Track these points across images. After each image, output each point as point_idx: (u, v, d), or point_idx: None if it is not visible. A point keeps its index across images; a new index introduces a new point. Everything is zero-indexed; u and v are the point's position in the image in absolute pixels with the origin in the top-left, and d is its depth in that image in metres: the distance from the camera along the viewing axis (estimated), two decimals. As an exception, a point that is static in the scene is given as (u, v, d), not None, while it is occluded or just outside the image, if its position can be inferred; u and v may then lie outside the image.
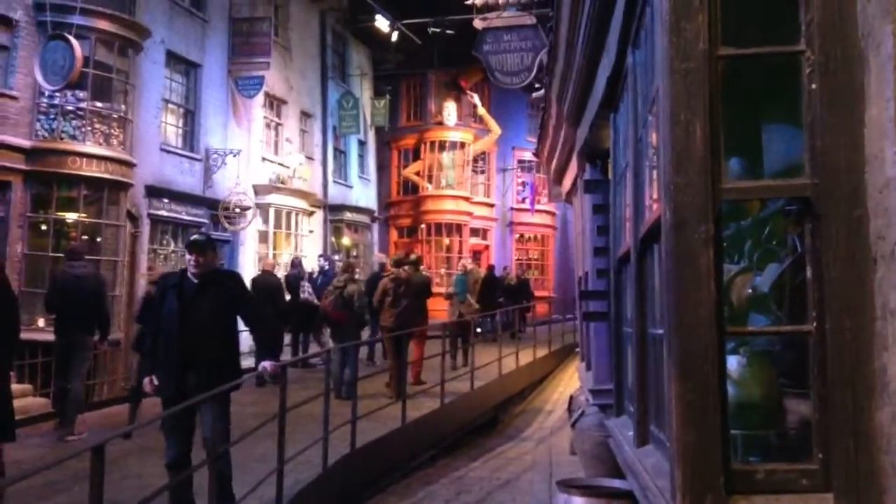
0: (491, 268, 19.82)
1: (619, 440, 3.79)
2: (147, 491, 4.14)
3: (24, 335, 6.58)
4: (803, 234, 2.30)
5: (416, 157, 25.57)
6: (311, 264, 16.37)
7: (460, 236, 24.87)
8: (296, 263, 13.96)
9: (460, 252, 23.70)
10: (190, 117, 15.54)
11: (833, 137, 2.18)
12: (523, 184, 27.19)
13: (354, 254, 21.50)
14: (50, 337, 8.76)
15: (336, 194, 21.45)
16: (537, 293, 23.47)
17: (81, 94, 12.02)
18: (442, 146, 25.21)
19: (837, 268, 2.16)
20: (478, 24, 13.77)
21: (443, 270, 22.77)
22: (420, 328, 10.33)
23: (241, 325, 5.45)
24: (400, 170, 25.85)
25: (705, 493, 2.17)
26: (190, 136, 15.49)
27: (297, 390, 6.15)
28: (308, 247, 19.00)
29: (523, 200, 27.20)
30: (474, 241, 25.63)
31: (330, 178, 21.22)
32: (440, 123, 25.46)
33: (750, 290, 2.84)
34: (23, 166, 11.33)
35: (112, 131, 12.40)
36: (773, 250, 2.84)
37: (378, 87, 24.62)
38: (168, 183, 14.29)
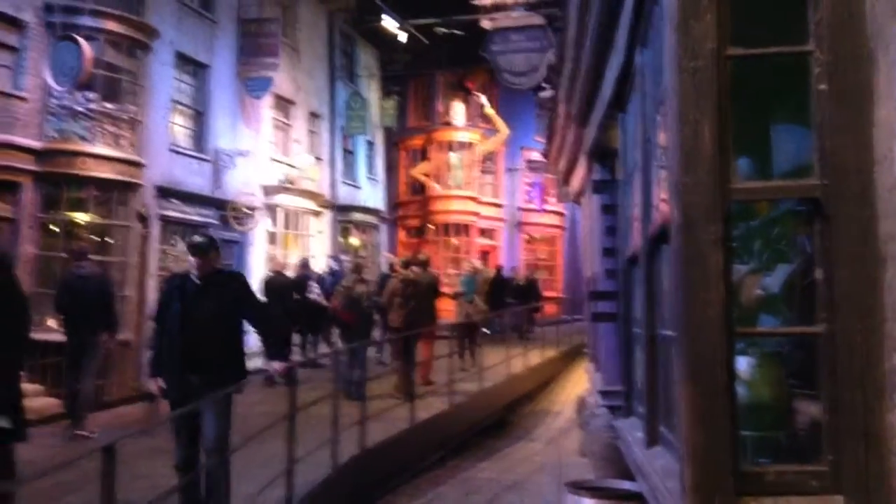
0: (499, 268, 19.82)
1: (629, 441, 3.78)
2: (157, 491, 4.17)
3: (35, 335, 6.64)
4: (813, 234, 2.29)
5: (424, 157, 25.60)
6: (320, 265, 16.42)
7: (468, 236, 24.89)
8: (304, 264, 14.00)
9: (468, 252, 23.72)
10: (199, 118, 15.60)
11: (842, 138, 2.18)
12: (532, 184, 27.17)
13: (363, 254, 21.52)
14: (61, 337, 8.82)
15: (344, 195, 21.49)
16: (546, 293, 23.45)
17: (91, 95, 12.06)
18: (450, 146, 25.24)
19: (847, 269, 2.15)
20: (486, 24, 13.75)
21: (450, 271, 22.77)
22: (429, 328, 10.34)
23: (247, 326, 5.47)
24: (408, 170, 25.89)
25: (714, 495, 2.17)
26: (199, 136, 15.54)
27: (306, 391, 6.16)
28: (316, 247, 19.04)
29: (532, 201, 27.19)
30: (482, 241, 25.63)
31: (338, 178, 21.25)
32: (448, 124, 25.49)
33: (759, 291, 2.84)
34: (33, 167, 11.39)
35: (121, 132, 12.46)
36: (782, 251, 2.84)
37: (386, 87, 24.65)
38: (178, 184, 14.35)
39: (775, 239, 2.89)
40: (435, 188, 24.92)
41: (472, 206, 25.08)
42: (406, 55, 23.74)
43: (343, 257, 18.45)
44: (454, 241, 24.70)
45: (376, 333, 11.98)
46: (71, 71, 11.50)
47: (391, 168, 25.61)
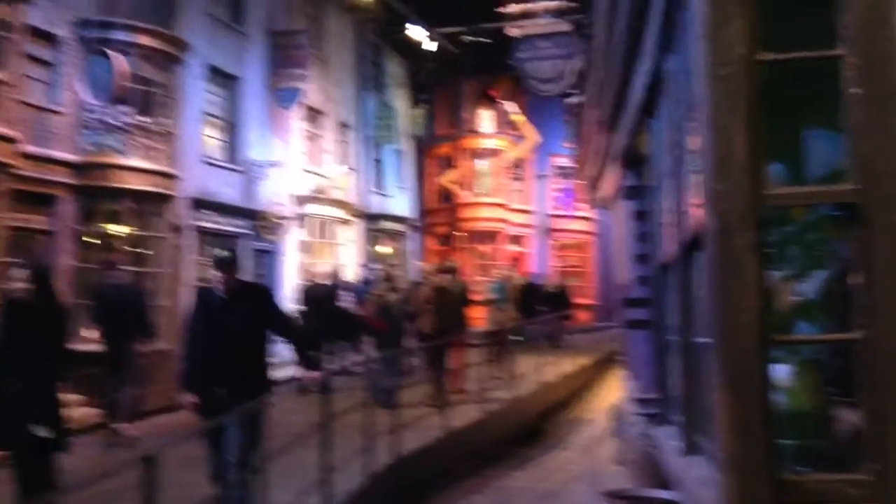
0: (530, 275, 19.75)
1: (665, 450, 3.76)
2: (194, 500, 4.22)
3: (76, 346, 6.76)
4: (849, 239, 2.27)
5: (452, 165, 25.65)
6: (351, 274, 16.51)
7: (497, 244, 24.87)
8: (335, 273, 14.10)
9: (497, 259, 23.69)
10: (231, 130, 15.79)
11: (876, 141, 2.16)
12: (561, 190, 27.08)
13: (392, 262, 21.61)
14: (99, 347, 8.97)
15: (374, 204, 21.60)
16: (577, 300, 23.31)
17: (125, 109, 12.26)
18: (478, 154, 25.27)
19: (885, 273, 2.13)
20: (512, 31, 13.77)
21: (479, 278, 22.75)
22: (460, 336, 10.33)
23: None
24: (436, 178, 25.95)
25: (753, 504, 2.15)
26: (231, 148, 15.74)
27: (339, 399, 6.20)
28: (347, 256, 19.17)
29: (561, 207, 27.08)
30: (512, 248, 25.58)
31: (368, 187, 21.38)
32: (475, 131, 25.53)
33: (795, 298, 2.81)
34: (70, 180, 11.59)
35: (155, 145, 12.64)
36: (818, 256, 2.81)
37: (414, 96, 24.76)
38: (211, 195, 14.53)
39: (810, 244, 2.86)
40: (463, 196, 24.94)
41: (500, 213, 25.06)
42: (433, 64, 23.84)
43: (373, 265, 18.54)
44: (482, 248, 24.67)
45: (407, 341, 12.01)
46: (105, 85, 11.70)
47: (420, 176, 25.69)
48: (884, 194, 2.13)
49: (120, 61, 11.79)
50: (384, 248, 21.78)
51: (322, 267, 15.69)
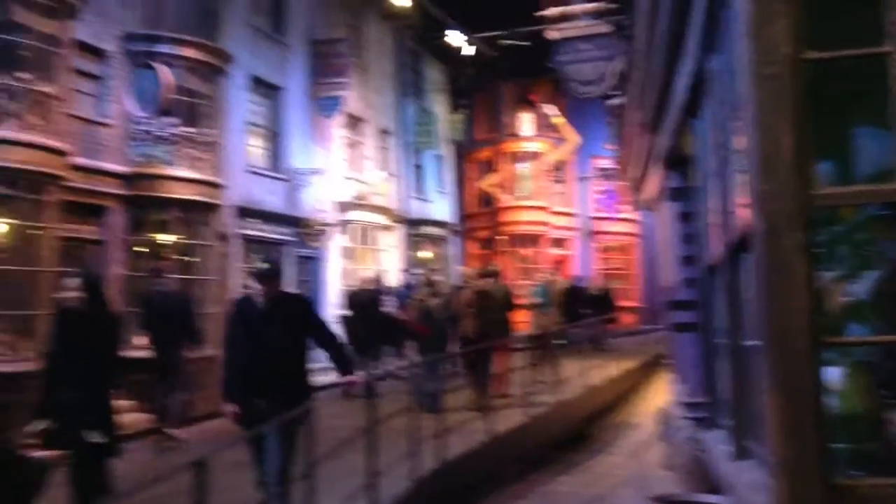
0: (574, 278, 19.63)
1: (714, 454, 3.71)
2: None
3: (127, 353, 6.91)
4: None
5: (493, 169, 25.63)
6: (393, 279, 16.61)
7: (539, 247, 24.78)
8: (378, 278, 14.20)
9: (539, 263, 23.59)
10: (273, 139, 16.01)
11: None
12: (604, 192, 26.86)
13: (434, 267, 21.67)
14: (149, 353, 9.17)
15: (415, 209, 21.70)
16: (621, 303, 23.09)
17: (171, 120, 12.51)
18: (518, 157, 25.22)
19: (940, 274, 2.08)
20: (552, 34, 13.70)
21: (521, 282, 22.68)
22: (503, 340, 10.31)
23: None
24: (477, 182, 25.94)
25: (806, 509, 2.11)
26: (274, 156, 15.96)
27: (383, 403, 6.24)
28: (389, 261, 19.29)
29: (604, 209, 26.86)
30: (554, 251, 25.46)
31: (409, 193, 21.48)
32: (515, 135, 25.49)
33: (846, 299, 2.76)
34: (119, 191, 11.86)
35: (201, 155, 12.87)
36: (868, 256, 2.75)
37: (454, 101, 24.82)
38: (255, 203, 14.75)
39: (860, 244, 2.81)
40: (504, 199, 24.90)
41: (542, 216, 24.97)
42: (472, 69, 23.88)
43: (414, 270, 18.62)
44: (524, 251, 24.59)
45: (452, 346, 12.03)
46: (152, 97, 11.98)
47: (460, 181, 25.72)
48: (937, 192, 2.09)
49: (166, 74, 12.04)
50: (425, 253, 21.86)
51: (365, 272, 15.82)
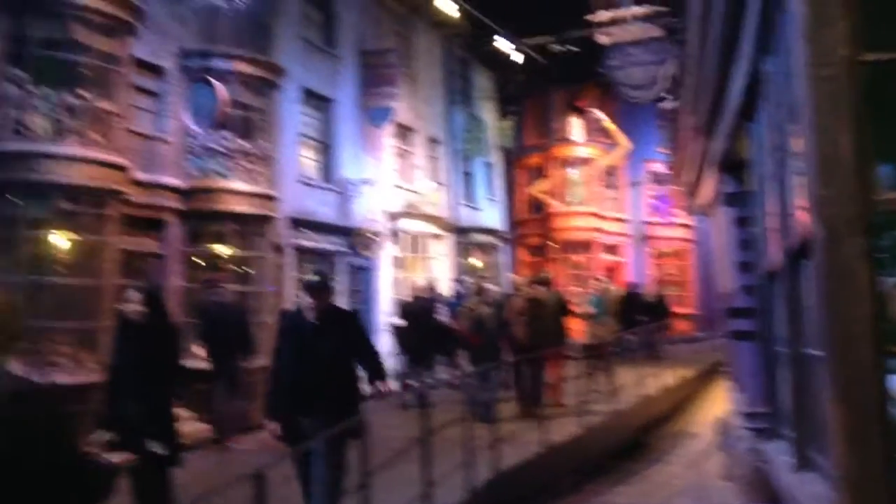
0: (630, 285, 19.38)
1: (776, 466, 3.62)
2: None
3: (186, 363, 7.06)
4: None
5: (543, 175, 25.50)
6: (444, 288, 16.63)
7: (591, 253, 24.55)
8: (431, 287, 14.24)
9: (592, 269, 23.36)
10: (325, 150, 16.22)
11: None
12: (657, 197, 26.49)
13: (484, 275, 21.64)
14: (207, 364, 9.35)
15: (465, 217, 21.71)
16: (676, 310, 22.72)
17: (227, 134, 12.76)
18: (569, 163, 25.06)
19: None
20: (602, 39, 13.61)
21: (573, 289, 22.50)
22: (557, 348, 10.23)
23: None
24: (526, 189, 25.85)
25: (873, 523, 2.05)
26: (326, 168, 16.16)
27: (437, 413, 6.24)
28: (439, 270, 19.33)
29: (657, 214, 26.50)
30: (607, 257, 25.20)
31: (458, 201, 21.52)
32: (565, 140, 25.32)
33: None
34: (178, 205, 12.14)
35: (256, 168, 13.10)
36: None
37: (502, 108, 24.79)
38: (309, 214, 14.95)
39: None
40: (554, 205, 24.74)
41: (594, 222, 24.73)
42: (521, 75, 23.84)
43: (465, 279, 18.62)
44: (576, 258, 24.38)
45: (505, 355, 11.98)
46: (208, 112, 12.25)
47: (509, 188, 25.64)
48: None
49: (221, 89, 12.31)
50: (476, 261, 21.84)
51: (417, 281, 15.88)
